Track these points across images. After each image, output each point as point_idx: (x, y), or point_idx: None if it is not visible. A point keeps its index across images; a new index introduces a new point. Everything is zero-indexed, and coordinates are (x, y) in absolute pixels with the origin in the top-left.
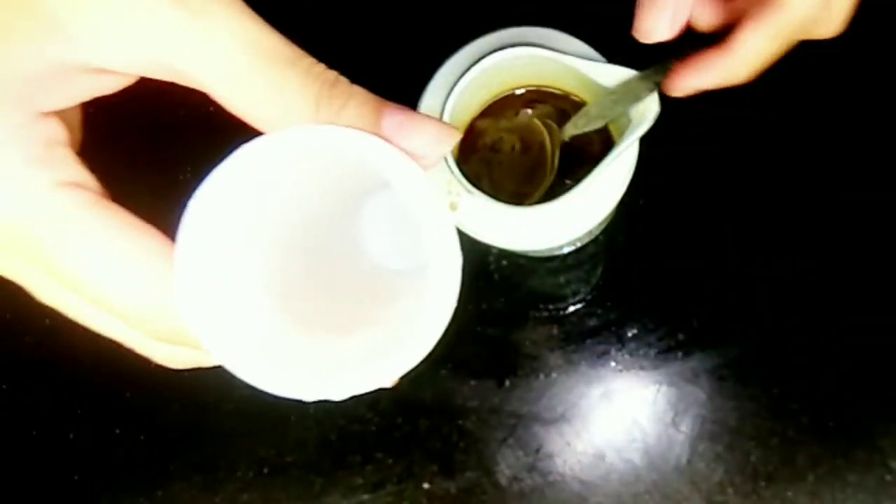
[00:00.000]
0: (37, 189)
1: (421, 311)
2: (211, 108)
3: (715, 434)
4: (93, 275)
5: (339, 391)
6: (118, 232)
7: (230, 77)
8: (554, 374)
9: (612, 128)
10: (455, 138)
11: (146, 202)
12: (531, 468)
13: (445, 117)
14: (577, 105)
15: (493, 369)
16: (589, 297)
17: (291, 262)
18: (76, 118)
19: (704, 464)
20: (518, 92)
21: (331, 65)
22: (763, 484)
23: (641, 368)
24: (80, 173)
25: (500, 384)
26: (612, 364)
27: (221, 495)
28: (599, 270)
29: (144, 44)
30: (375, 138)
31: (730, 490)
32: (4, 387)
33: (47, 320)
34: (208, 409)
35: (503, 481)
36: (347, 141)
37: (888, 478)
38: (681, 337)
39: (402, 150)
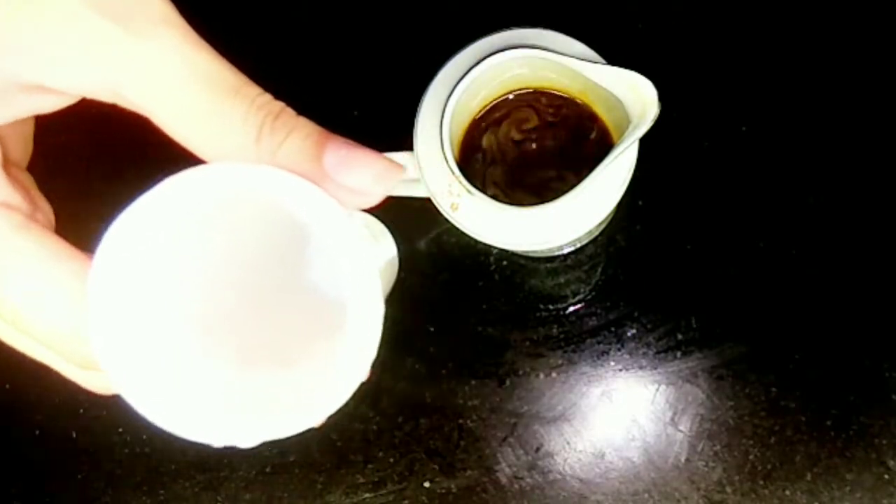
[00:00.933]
0: None
1: (337, 365)
2: None
3: (714, 433)
4: (11, 297)
5: (246, 438)
6: (41, 256)
7: (172, 103)
8: (554, 374)
9: (611, 128)
10: (398, 175)
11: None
12: (531, 467)
13: (445, 119)
14: (577, 106)
15: (494, 369)
16: (589, 297)
17: (221, 296)
18: (24, 132)
19: (703, 462)
20: (518, 93)
21: (332, 67)
22: (762, 482)
23: (641, 368)
24: (10, 194)
25: (501, 383)
26: (612, 364)
27: (224, 494)
28: (599, 270)
29: (86, 64)
30: (297, 180)
31: (728, 488)
32: (7, 386)
33: None
34: None
35: (504, 480)
36: (267, 182)
37: (886, 476)
38: (680, 337)
39: (343, 185)
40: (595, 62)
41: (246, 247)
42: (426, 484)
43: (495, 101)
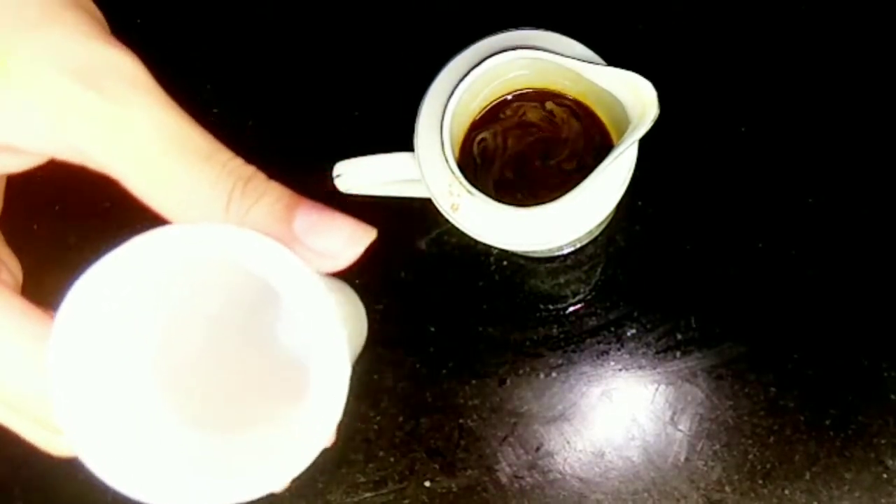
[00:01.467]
0: None
1: (299, 430)
2: None
3: (713, 432)
4: None
5: (204, 502)
6: (2, 318)
7: (142, 167)
8: (554, 374)
9: (611, 129)
10: (370, 237)
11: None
12: (531, 466)
13: (446, 119)
14: (578, 106)
15: (494, 368)
16: (589, 297)
17: (185, 357)
18: None
19: (703, 462)
20: (518, 94)
21: (332, 69)
22: (761, 482)
23: (640, 368)
24: None
25: (501, 383)
26: (612, 363)
27: None
28: (599, 270)
29: (55, 126)
30: (263, 239)
31: (728, 488)
32: None
33: None
34: None
35: (504, 479)
36: (233, 242)
37: (885, 475)
38: (679, 336)
39: (313, 249)
40: (595, 63)
41: (213, 307)
42: (427, 483)
43: (495, 102)
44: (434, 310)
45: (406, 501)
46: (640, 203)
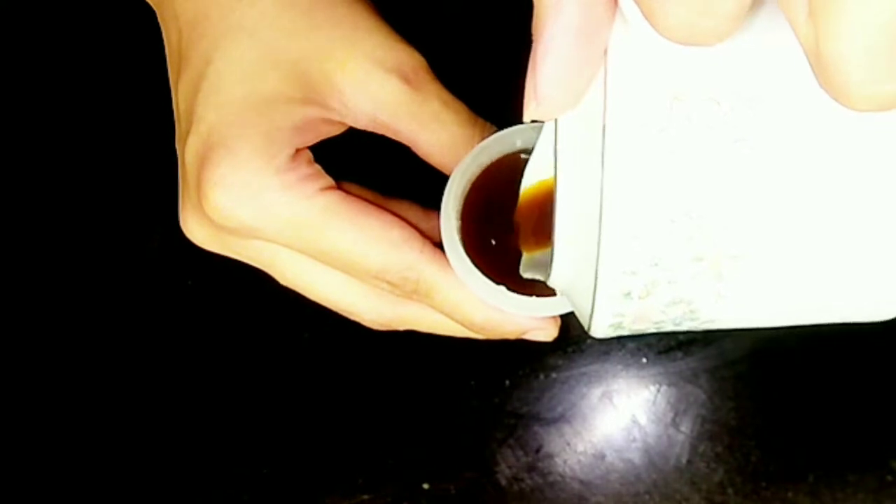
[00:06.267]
0: (311, 195)
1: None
2: None
3: (715, 434)
4: (357, 246)
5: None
6: (366, 215)
7: (433, 133)
8: (554, 374)
9: None
10: None
11: None
12: (531, 468)
13: None
14: None
15: (493, 369)
16: None
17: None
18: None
19: (705, 464)
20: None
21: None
22: (763, 484)
23: (641, 368)
24: (329, 180)
25: (501, 384)
26: (612, 364)
27: (222, 495)
28: None
29: (379, 110)
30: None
31: (730, 490)
32: (5, 387)
33: (51, 326)
34: (207, 409)
35: (503, 481)
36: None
37: (889, 478)
38: (681, 337)
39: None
40: None
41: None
42: (425, 485)
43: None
44: None
45: (404, 503)
46: None
